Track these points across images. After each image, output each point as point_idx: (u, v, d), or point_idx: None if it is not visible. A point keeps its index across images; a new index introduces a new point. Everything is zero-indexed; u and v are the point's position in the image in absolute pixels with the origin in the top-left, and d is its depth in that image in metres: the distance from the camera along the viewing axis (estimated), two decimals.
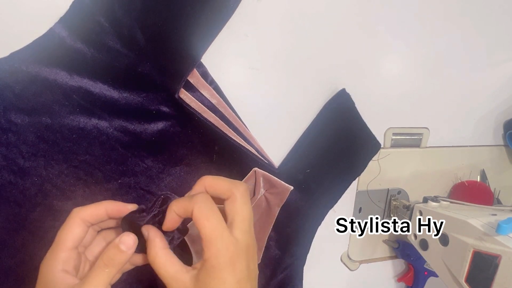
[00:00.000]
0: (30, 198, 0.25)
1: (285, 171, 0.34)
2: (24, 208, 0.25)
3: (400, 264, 0.46)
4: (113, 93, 0.26)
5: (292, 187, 0.32)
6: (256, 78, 0.32)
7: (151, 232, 0.21)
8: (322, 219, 0.38)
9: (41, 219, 0.26)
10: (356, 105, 0.35)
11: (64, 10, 0.24)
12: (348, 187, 0.38)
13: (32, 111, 0.25)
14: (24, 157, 0.25)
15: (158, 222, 0.21)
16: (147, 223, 0.21)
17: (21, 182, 0.25)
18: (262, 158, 0.33)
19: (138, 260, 0.22)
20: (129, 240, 0.20)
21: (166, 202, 0.21)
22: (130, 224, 0.21)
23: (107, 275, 0.20)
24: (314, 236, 0.38)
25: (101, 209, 0.22)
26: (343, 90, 0.35)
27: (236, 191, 0.21)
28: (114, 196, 0.28)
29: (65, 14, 0.24)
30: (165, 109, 0.28)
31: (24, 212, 0.25)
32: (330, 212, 0.38)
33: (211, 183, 0.22)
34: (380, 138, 0.39)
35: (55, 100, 0.25)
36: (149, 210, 0.21)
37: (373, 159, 0.38)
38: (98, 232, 0.23)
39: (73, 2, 0.24)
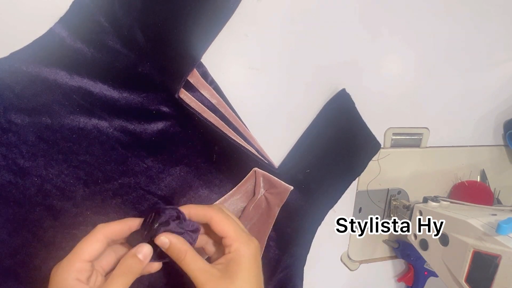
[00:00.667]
0: (30, 198, 0.25)
1: (285, 171, 0.34)
2: (24, 208, 0.25)
3: (400, 264, 0.46)
4: (113, 93, 0.26)
5: (292, 187, 0.32)
6: (256, 78, 0.32)
7: (172, 238, 0.23)
8: (322, 219, 0.38)
9: (41, 219, 0.26)
10: (356, 105, 0.35)
11: (64, 10, 0.24)
12: (348, 187, 0.38)
13: (32, 111, 0.25)
14: (24, 157, 0.25)
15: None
16: (152, 237, 0.23)
17: (21, 182, 0.25)
18: (262, 158, 0.33)
19: (148, 268, 0.24)
20: (146, 250, 0.22)
21: (158, 216, 0.23)
22: (137, 240, 0.23)
23: (125, 283, 0.21)
24: (314, 236, 0.38)
25: (125, 226, 0.23)
26: (343, 90, 0.35)
27: (212, 213, 0.24)
28: (114, 196, 0.28)
29: (65, 14, 0.24)
30: (165, 109, 0.28)
31: (24, 212, 0.25)
32: (330, 212, 0.38)
33: (191, 211, 0.25)
34: (380, 138, 0.39)
35: (55, 100, 0.25)
36: (148, 228, 0.23)
37: (373, 159, 0.38)
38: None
39: (73, 2, 0.24)
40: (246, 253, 0.22)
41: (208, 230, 0.25)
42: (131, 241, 0.24)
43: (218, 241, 0.24)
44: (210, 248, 0.26)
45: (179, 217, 0.23)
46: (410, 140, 0.41)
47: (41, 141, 0.25)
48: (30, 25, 0.24)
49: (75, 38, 0.24)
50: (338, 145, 0.35)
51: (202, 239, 0.26)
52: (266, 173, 0.32)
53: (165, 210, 0.23)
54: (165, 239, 0.22)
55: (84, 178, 0.27)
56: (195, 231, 0.24)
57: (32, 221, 0.26)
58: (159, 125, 0.28)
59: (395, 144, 0.40)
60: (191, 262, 0.22)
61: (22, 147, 0.25)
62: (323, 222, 0.38)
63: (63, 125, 0.25)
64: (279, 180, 0.32)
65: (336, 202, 0.38)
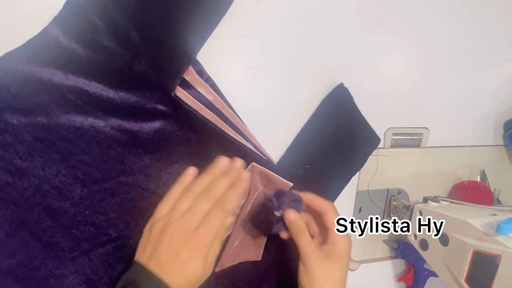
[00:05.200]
0: (28, 198, 0.25)
1: (284, 167, 0.33)
2: (22, 209, 0.25)
3: (400, 264, 0.45)
4: (108, 92, 0.26)
5: (291, 183, 0.32)
6: (256, 77, 0.32)
7: (297, 216, 0.29)
8: None
9: (40, 220, 0.26)
10: (356, 105, 0.35)
11: (58, 9, 0.24)
12: (348, 182, 0.38)
13: (28, 111, 0.24)
14: (21, 157, 0.25)
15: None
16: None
17: (18, 183, 0.25)
18: (261, 154, 0.32)
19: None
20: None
21: (280, 195, 0.29)
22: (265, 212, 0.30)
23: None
24: None
25: None
26: (341, 85, 0.34)
27: (330, 208, 0.30)
28: (113, 195, 0.28)
29: (59, 13, 0.24)
30: (161, 107, 0.28)
31: (22, 213, 0.25)
32: None
33: (310, 199, 0.30)
34: (380, 138, 0.39)
35: (51, 100, 0.25)
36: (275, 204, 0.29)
37: (372, 154, 0.38)
38: None
39: (66, 1, 0.24)
40: (345, 248, 0.28)
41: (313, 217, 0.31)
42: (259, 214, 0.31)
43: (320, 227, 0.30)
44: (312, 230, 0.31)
45: (296, 199, 0.30)
46: (410, 140, 0.41)
47: (37, 141, 0.25)
48: (23, 25, 0.24)
49: (70, 37, 0.24)
50: (337, 140, 0.35)
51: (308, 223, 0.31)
52: (264, 168, 0.31)
53: (286, 192, 0.30)
54: (292, 214, 0.28)
55: (81, 178, 0.27)
56: (299, 201, 0.30)
57: (30, 222, 0.26)
58: (156, 124, 0.28)
59: (395, 144, 0.40)
60: (305, 238, 0.28)
61: (19, 147, 0.25)
62: None
63: (59, 125, 0.25)
64: (277, 176, 0.32)
65: (336, 197, 0.38)
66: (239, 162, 0.29)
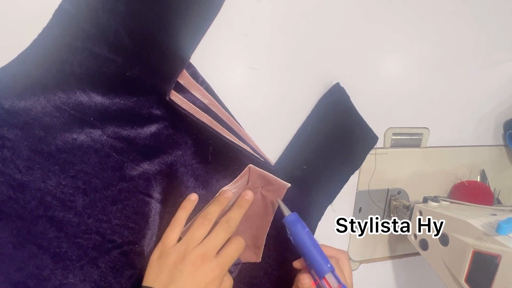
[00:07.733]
0: (31, 211, 0.25)
1: (282, 168, 0.33)
2: (27, 222, 0.25)
3: (400, 264, 0.46)
4: (103, 100, 0.26)
5: (289, 184, 0.32)
6: (256, 77, 0.32)
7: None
8: (322, 215, 0.38)
9: (45, 231, 0.26)
10: (356, 105, 0.35)
11: (47, 19, 0.23)
12: (346, 181, 0.38)
13: (24, 125, 0.24)
14: (21, 171, 0.25)
15: None
16: None
17: (21, 197, 0.25)
18: (258, 156, 0.32)
19: None
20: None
21: None
22: None
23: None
24: (315, 231, 0.38)
25: None
26: (337, 84, 0.34)
27: (343, 256, 0.31)
28: (114, 203, 0.28)
29: (48, 23, 0.23)
30: (156, 112, 0.27)
31: (27, 226, 0.25)
32: (330, 212, 0.38)
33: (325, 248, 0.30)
34: (380, 138, 0.38)
35: (46, 112, 0.25)
36: None
37: (370, 153, 0.38)
38: None
39: (55, 11, 0.23)
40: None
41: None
42: None
43: None
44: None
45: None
46: (410, 140, 0.41)
47: (36, 154, 0.25)
48: (15, 37, 0.23)
49: (60, 47, 0.24)
50: (335, 139, 0.35)
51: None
52: (262, 170, 0.31)
53: None
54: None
55: (82, 187, 0.27)
56: (237, 264, 0.30)
57: (36, 234, 0.26)
58: (152, 128, 0.28)
59: (395, 144, 0.40)
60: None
61: (18, 161, 0.25)
62: (323, 222, 0.38)
63: (56, 137, 0.25)
64: (275, 177, 0.32)
65: (335, 197, 0.38)
66: (250, 194, 0.31)
